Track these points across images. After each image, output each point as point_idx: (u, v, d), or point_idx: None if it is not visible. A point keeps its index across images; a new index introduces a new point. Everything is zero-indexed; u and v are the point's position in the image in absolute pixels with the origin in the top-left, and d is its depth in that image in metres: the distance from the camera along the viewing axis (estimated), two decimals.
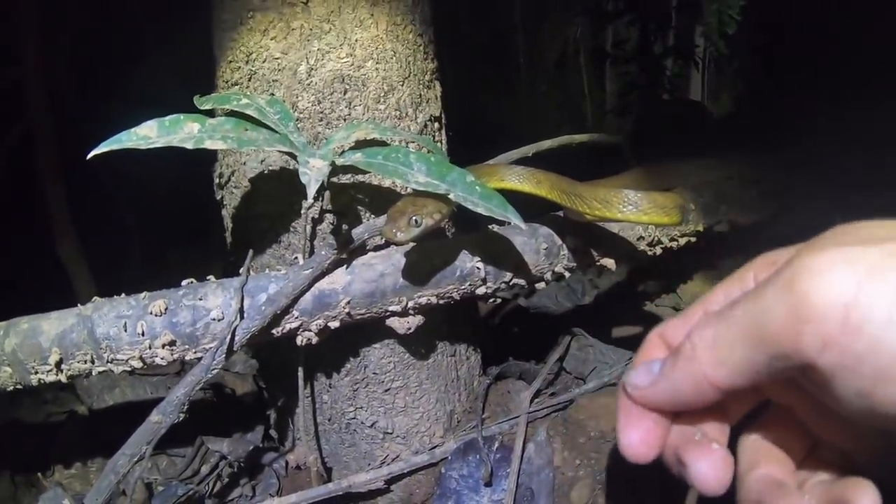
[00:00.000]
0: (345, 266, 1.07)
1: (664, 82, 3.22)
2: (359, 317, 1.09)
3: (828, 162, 1.79)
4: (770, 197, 1.78)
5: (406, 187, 1.04)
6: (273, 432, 1.41)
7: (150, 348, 1.03)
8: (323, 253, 1.03)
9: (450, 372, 1.34)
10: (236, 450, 1.37)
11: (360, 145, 1.07)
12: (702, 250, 1.73)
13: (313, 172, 0.91)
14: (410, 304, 1.10)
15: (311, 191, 0.89)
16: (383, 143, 1.09)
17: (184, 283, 1.08)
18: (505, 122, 3.25)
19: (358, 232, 1.05)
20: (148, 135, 0.93)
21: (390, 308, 1.09)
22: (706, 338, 0.53)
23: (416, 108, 1.20)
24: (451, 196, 0.94)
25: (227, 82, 1.17)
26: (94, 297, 1.07)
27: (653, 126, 2.88)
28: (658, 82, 3.18)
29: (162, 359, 1.04)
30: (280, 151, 1.01)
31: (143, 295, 1.05)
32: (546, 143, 1.42)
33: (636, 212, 1.01)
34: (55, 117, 1.83)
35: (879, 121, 1.79)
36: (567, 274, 1.24)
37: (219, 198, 1.25)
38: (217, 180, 1.24)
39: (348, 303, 1.06)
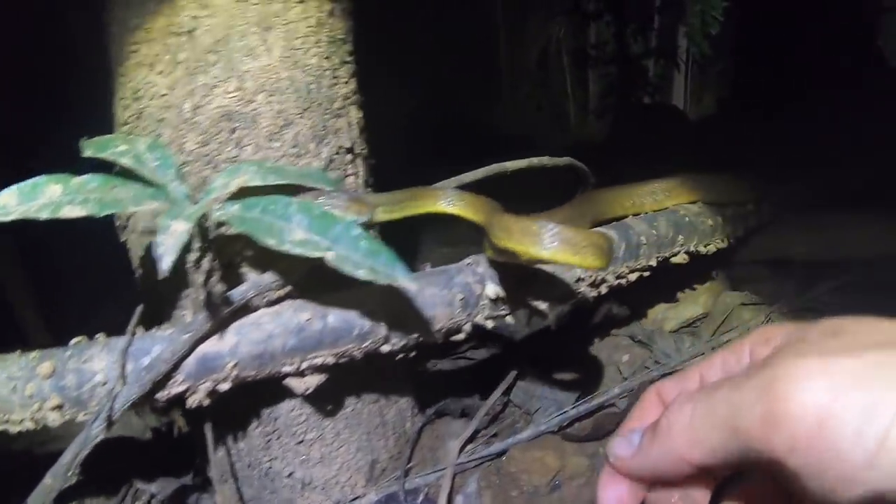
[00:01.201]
0: (230, 326, 1.00)
1: (644, 84, 3.07)
2: (250, 379, 1.02)
3: (790, 178, 1.66)
4: (736, 221, 1.63)
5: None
6: (207, 472, 1.38)
7: (39, 410, 0.99)
8: (201, 316, 0.97)
9: (373, 419, 1.27)
10: (165, 489, 1.35)
11: (243, 192, 0.98)
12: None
13: (169, 242, 0.82)
14: (304, 364, 1.03)
15: (164, 265, 0.79)
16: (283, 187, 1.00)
17: (72, 341, 1.03)
18: (487, 123, 3.14)
19: (241, 291, 0.97)
20: (7, 203, 0.86)
21: (283, 369, 1.03)
22: (683, 418, 0.55)
23: (319, 142, 1.10)
24: (329, 257, 0.85)
25: (119, 122, 1.10)
26: None
27: (628, 130, 2.73)
28: (638, 84, 3.03)
29: (53, 421, 1.00)
30: (151, 209, 0.94)
31: (32, 355, 1.01)
32: (508, 165, 1.30)
33: (552, 251, 0.89)
34: None
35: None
36: (491, 325, 1.15)
37: (122, 240, 1.20)
38: (117, 223, 1.18)
39: (235, 365, 0.99)
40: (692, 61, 3.35)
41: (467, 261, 1.15)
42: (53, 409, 0.98)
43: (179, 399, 1.02)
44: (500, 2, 3.26)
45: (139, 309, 1.04)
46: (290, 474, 1.21)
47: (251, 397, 1.12)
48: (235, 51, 1.02)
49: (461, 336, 1.14)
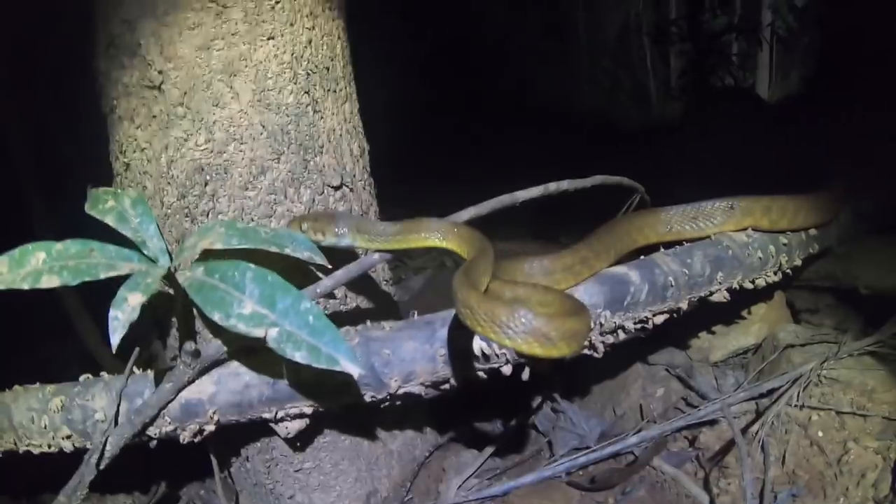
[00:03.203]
0: (210, 375, 1.02)
1: (723, 63, 2.67)
2: (233, 423, 1.05)
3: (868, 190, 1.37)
4: (794, 250, 1.39)
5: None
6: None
7: (54, 438, 1.09)
8: (181, 367, 1.00)
9: (374, 450, 1.27)
10: (191, 492, 1.46)
11: (210, 254, 0.97)
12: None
13: (122, 318, 0.84)
14: (282, 413, 1.04)
15: (114, 341, 0.82)
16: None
17: (81, 378, 1.11)
18: (565, 101, 2.94)
19: (214, 348, 0.99)
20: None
21: (263, 416, 1.04)
22: None
23: (299, 185, 1.07)
24: (272, 335, 0.84)
25: (114, 175, 1.13)
26: (16, 386, 1.14)
27: (703, 117, 2.40)
28: (717, 63, 2.64)
29: (66, 448, 1.10)
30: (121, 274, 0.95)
31: (49, 389, 1.11)
32: (552, 186, 1.22)
33: (519, 343, 0.80)
34: None
35: None
36: (483, 376, 1.09)
37: None
38: None
39: (215, 412, 1.03)
40: (777, 36, 2.91)
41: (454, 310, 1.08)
42: (65, 438, 1.08)
43: (171, 438, 1.08)
44: None
45: (136, 352, 1.10)
46: (292, 496, 1.26)
47: (249, 427, 1.16)
48: (202, 101, 1.00)
49: (449, 386, 1.09)
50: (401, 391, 1.04)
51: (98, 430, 1.06)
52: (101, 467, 1.04)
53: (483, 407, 1.52)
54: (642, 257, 1.23)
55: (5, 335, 1.62)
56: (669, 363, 1.55)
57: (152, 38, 1.00)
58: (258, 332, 0.84)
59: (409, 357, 1.02)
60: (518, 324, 0.77)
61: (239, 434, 1.20)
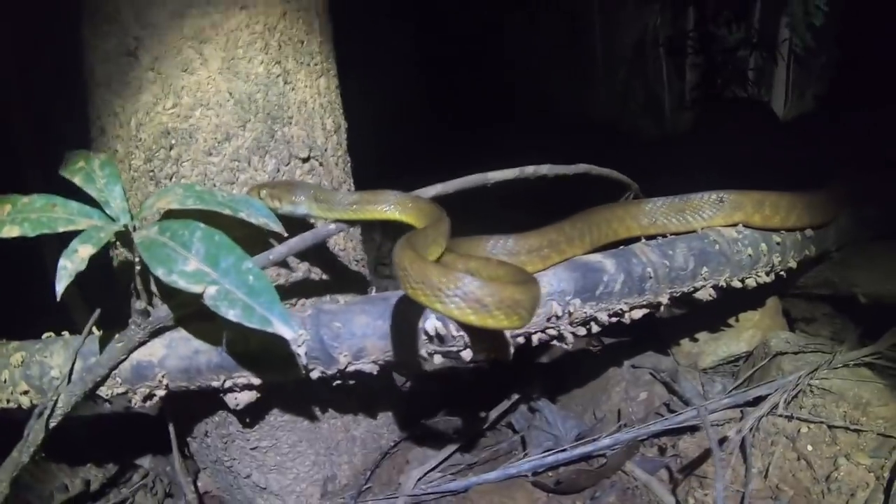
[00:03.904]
0: (162, 338, 1.01)
1: (737, 77, 2.65)
2: (182, 389, 1.04)
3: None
4: (788, 250, 1.32)
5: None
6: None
7: (13, 393, 1.09)
8: (133, 328, 0.99)
9: (335, 434, 1.24)
10: (157, 467, 1.44)
11: (171, 215, 0.97)
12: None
13: (70, 268, 0.85)
14: (229, 383, 1.01)
15: (59, 289, 0.83)
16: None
17: (44, 336, 1.12)
18: (578, 110, 2.92)
19: (164, 311, 0.98)
20: None
21: (212, 384, 1.02)
22: None
23: (263, 154, 1.06)
24: (210, 292, 0.82)
25: (90, 140, 1.14)
26: None
27: (712, 127, 2.35)
28: (731, 77, 2.63)
29: (24, 404, 1.10)
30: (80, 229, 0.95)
31: (11, 345, 1.12)
32: (528, 169, 1.18)
33: (454, 309, 0.76)
34: None
35: None
36: (439, 360, 1.05)
37: None
38: None
39: (164, 376, 1.01)
40: (794, 55, 2.97)
41: None
42: (23, 393, 1.08)
43: (124, 399, 1.07)
44: None
45: (97, 312, 1.10)
46: (248, 476, 1.24)
47: (205, 400, 1.15)
48: (172, 67, 1.00)
49: (411, 370, 1.06)
50: (351, 368, 1.01)
51: (53, 388, 1.06)
52: (53, 424, 1.04)
53: (460, 401, 1.48)
54: (622, 247, 1.18)
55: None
56: (655, 367, 1.47)
57: (129, 5, 1.02)
58: (197, 289, 0.83)
59: (361, 332, 0.99)
60: (451, 287, 0.74)
61: (198, 406, 1.19)
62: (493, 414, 1.41)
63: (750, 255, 1.27)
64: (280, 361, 1.00)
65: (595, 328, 1.13)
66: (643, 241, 1.20)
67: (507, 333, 1.04)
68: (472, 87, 2.72)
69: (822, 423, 1.27)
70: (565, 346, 1.10)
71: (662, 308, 1.20)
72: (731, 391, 1.35)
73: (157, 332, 1.02)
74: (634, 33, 3.21)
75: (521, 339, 1.07)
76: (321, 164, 1.15)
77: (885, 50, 1.99)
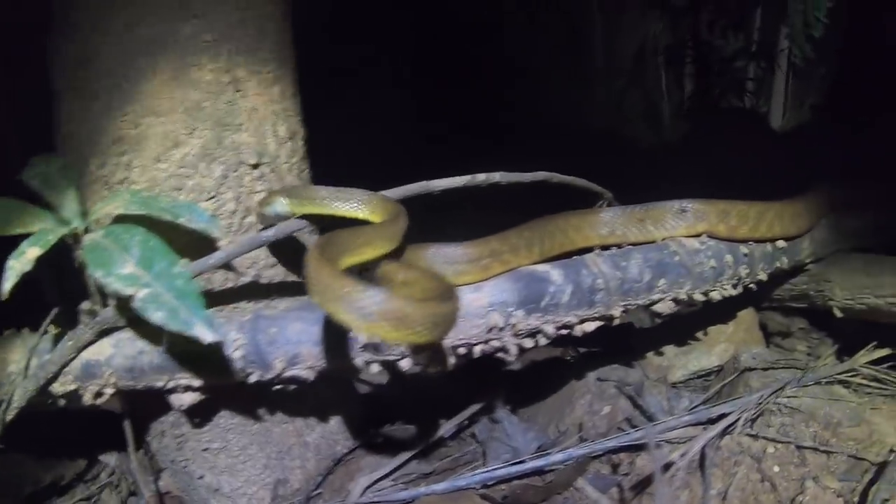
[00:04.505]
0: (110, 337, 1.04)
1: (734, 87, 2.62)
2: (130, 388, 1.06)
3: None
4: (757, 262, 1.27)
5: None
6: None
7: None
8: (81, 326, 1.02)
9: (286, 439, 1.25)
10: (122, 465, 1.48)
11: (123, 219, 1.00)
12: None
13: (17, 267, 0.88)
14: (171, 384, 1.03)
15: (4, 288, 0.86)
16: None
17: (5, 333, 1.16)
18: (576, 119, 2.90)
19: (110, 311, 1.01)
20: None
21: (156, 384, 1.05)
22: None
23: (211, 161, 1.08)
24: (140, 295, 0.85)
25: (56, 146, 1.19)
26: None
27: (703, 136, 2.30)
28: (728, 87, 2.61)
29: None
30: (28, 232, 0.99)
31: None
32: (480, 177, 1.17)
33: (366, 324, 0.76)
34: None
35: None
36: (376, 369, 1.04)
37: None
38: None
39: (111, 374, 1.04)
40: (793, 65, 2.92)
41: None
42: None
43: (76, 396, 1.10)
44: None
45: (54, 311, 1.14)
46: (202, 477, 1.25)
47: (159, 400, 1.17)
48: (125, 75, 1.04)
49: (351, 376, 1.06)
50: (287, 373, 1.02)
51: (8, 382, 1.10)
52: (10, 418, 1.08)
53: (422, 408, 1.48)
54: (573, 258, 1.16)
55: None
56: (622, 380, 1.44)
57: (87, 14, 1.06)
58: (130, 291, 0.86)
59: (296, 338, 1.00)
60: (367, 305, 0.74)
61: (153, 406, 1.21)
62: (451, 424, 1.40)
63: (713, 267, 1.23)
64: (217, 365, 1.01)
65: (543, 340, 1.11)
66: (597, 251, 1.18)
67: (446, 343, 1.03)
68: (468, 95, 2.72)
69: (790, 442, 1.22)
70: (508, 358, 1.08)
71: (616, 320, 1.17)
72: (692, 408, 1.31)
73: (105, 332, 1.05)
74: (635, 41, 3.18)
75: (462, 350, 1.07)
76: (273, 171, 1.17)
77: (885, 61, 1.94)
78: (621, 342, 1.54)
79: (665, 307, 1.20)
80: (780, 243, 1.33)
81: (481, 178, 1.16)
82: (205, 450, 1.22)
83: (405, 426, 1.40)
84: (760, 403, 1.25)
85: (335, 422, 1.31)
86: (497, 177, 1.18)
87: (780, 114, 3.20)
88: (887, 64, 1.88)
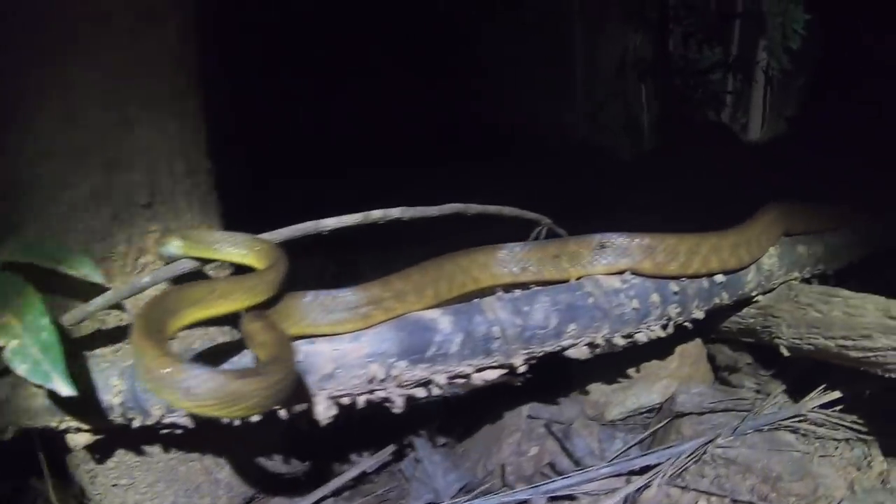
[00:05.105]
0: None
1: (709, 99, 2.57)
2: (30, 427, 1.07)
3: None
4: (690, 299, 1.16)
5: None
6: None
7: None
8: None
9: (194, 476, 1.24)
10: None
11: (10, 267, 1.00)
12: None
13: None
14: (63, 425, 1.04)
15: None
16: None
17: None
18: (557, 131, 2.82)
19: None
20: None
21: (50, 425, 1.05)
22: None
23: (100, 202, 1.06)
24: (11, 346, 0.85)
25: None
26: None
27: (673, 149, 2.17)
28: (703, 100, 2.57)
29: None
30: None
31: None
32: (375, 214, 1.13)
33: (193, 403, 0.74)
34: None
35: None
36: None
37: None
38: None
39: (12, 414, 1.05)
40: (771, 77, 3.00)
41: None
42: None
43: None
44: (578, 7, 2.93)
45: None
46: None
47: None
48: (17, 116, 1.03)
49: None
50: (166, 420, 1.00)
51: None
52: None
53: (348, 442, 1.44)
54: (469, 302, 1.09)
55: None
56: (554, 417, 1.36)
57: None
58: (2, 342, 0.85)
59: None
60: (172, 377, 0.71)
61: (62, 440, 1.22)
62: (373, 460, 1.36)
63: (636, 309, 1.13)
64: (99, 411, 1.01)
65: (436, 390, 1.05)
66: (499, 293, 1.10)
67: (322, 398, 0.99)
68: (445, 114, 2.66)
69: (724, 496, 1.13)
70: (395, 410, 1.03)
71: (522, 367, 1.09)
72: (612, 459, 1.22)
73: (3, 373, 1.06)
74: (615, 54, 3.11)
75: (346, 401, 1.02)
76: (169, 210, 1.14)
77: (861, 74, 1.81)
78: (559, 373, 1.46)
79: (579, 353, 1.12)
80: (719, 278, 1.22)
81: (376, 214, 1.11)
82: (114, 485, 1.22)
83: (324, 462, 1.37)
84: (691, 455, 1.16)
85: (247, 458, 1.30)
86: (396, 213, 1.12)
87: (759, 125, 3.11)
88: (863, 76, 1.74)
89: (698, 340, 1.40)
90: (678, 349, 1.38)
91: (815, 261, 1.33)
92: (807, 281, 1.34)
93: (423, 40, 2.66)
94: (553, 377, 1.48)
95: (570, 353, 1.12)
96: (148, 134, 1.11)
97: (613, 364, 1.42)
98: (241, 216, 1.30)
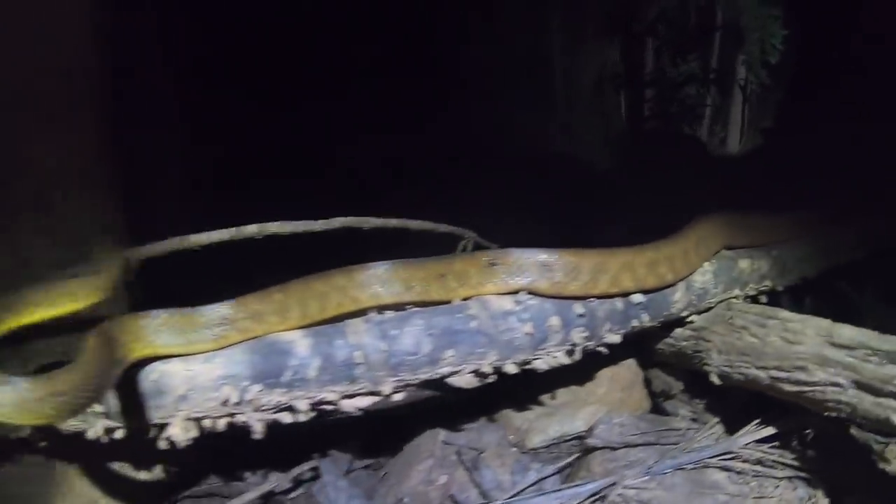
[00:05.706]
0: None
1: (684, 113, 2.78)
2: None
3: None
4: (600, 322, 1.02)
5: None
6: None
7: None
8: None
9: (89, 492, 1.24)
10: None
11: None
12: None
13: None
14: None
15: None
16: None
17: None
18: (538, 143, 2.74)
19: None
20: None
21: None
22: None
23: None
24: None
25: None
26: None
27: (640, 161, 2.04)
28: (677, 113, 2.82)
29: None
30: None
31: None
32: (251, 229, 1.10)
33: None
34: None
35: None
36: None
37: None
38: None
39: None
40: (749, 91, 3.02)
41: None
42: None
43: None
44: (557, 21, 2.85)
45: None
46: None
47: None
48: None
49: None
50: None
51: None
52: None
53: (258, 460, 1.39)
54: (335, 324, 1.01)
55: None
56: (471, 444, 1.26)
57: None
58: None
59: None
60: None
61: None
62: (285, 479, 1.31)
63: (528, 334, 1.02)
64: None
65: (302, 417, 0.99)
66: (369, 315, 1.02)
67: (179, 419, 0.95)
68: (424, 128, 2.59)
69: None
70: (256, 435, 0.97)
71: (396, 396, 1.01)
72: (511, 497, 1.10)
73: None
74: (594, 67, 3.00)
75: (207, 423, 0.98)
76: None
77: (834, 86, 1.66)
78: (484, 396, 1.35)
79: (464, 381, 1.02)
80: (637, 297, 1.08)
81: (251, 229, 1.06)
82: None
83: (225, 484, 1.33)
84: (593, 496, 1.03)
85: (145, 477, 1.28)
86: (274, 227, 1.07)
87: (737, 139, 3.08)
88: (838, 88, 1.58)
89: (633, 363, 1.26)
90: (608, 372, 1.24)
91: (759, 277, 1.16)
92: (754, 299, 1.17)
93: (401, 52, 2.60)
94: (475, 398, 1.38)
95: (453, 381, 1.02)
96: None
97: (540, 386, 1.30)
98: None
